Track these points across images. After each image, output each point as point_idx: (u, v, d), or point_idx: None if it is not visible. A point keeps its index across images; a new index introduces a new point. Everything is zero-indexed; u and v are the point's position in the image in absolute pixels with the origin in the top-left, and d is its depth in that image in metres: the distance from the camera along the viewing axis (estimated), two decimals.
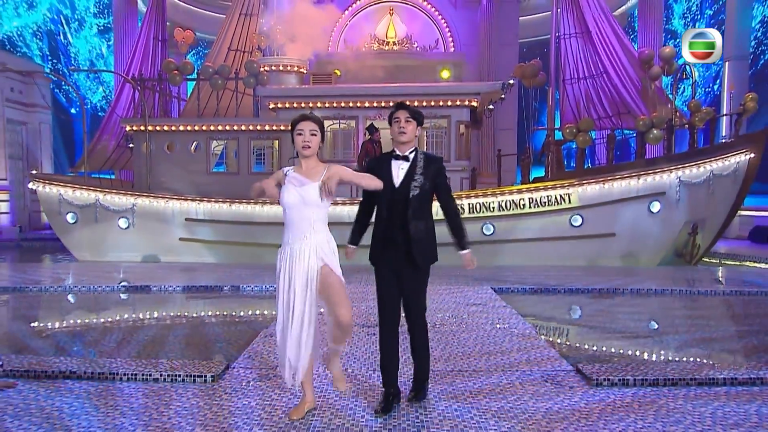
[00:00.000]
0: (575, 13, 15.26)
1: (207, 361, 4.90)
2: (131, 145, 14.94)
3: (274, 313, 7.17)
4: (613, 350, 6.13)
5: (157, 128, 13.82)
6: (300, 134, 3.60)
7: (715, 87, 22.78)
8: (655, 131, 13.07)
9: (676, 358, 5.73)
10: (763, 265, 13.46)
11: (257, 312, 8.06)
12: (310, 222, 3.56)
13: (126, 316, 7.88)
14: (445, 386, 4.40)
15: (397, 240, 3.80)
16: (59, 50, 27.39)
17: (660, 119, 13.11)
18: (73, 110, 27.48)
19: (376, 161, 4.04)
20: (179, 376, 4.50)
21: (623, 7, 23.92)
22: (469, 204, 12.13)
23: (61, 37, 27.43)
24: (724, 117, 16.71)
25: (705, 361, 5.59)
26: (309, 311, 3.50)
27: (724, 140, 13.64)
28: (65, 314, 8.14)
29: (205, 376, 4.48)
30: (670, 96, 14.45)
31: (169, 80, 14.77)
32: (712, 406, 4.03)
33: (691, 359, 5.67)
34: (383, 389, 3.96)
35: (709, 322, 7.52)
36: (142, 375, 4.53)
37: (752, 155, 12.34)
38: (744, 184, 12.46)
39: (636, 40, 21.75)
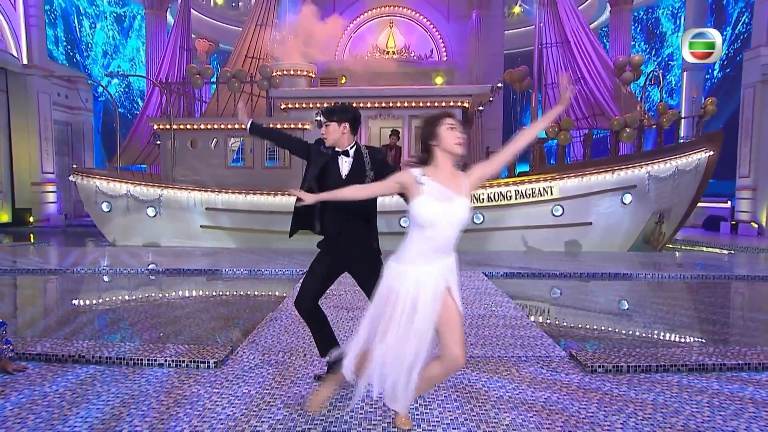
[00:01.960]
0: (556, 25, 14.56)
1: (211, 346, 4.32)
2: (159, 142, 14.42)
3: (280, 294, 6.66)
4: (596, 330, 5.57)
5: (181, 127, 13.36)
6: (452, 128, 2.54)
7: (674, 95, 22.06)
8: (628, 130, 12.46)
9: (661, 341, 5.17)
10: (717, 250, 13.05)
11: (267, 293, 7.48)
12: (450, 243, 2.55)
13: (147, 296, 7.30)
14: None
15: (339, 233, 3.32)
16: (74, 39, 23.44)
17: (632, 119, 12.50)
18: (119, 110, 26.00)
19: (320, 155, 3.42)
20: (183, 362, 3.93)
21: (596, 22, 23.15)
22: None
23: (76, 24, 23.50)
24: (683, 119, 16.12)
25: (690, 344, 5.03)
26: (428, 342, 2.51)
27: (684, 140, 13.06)
28: (89, 295, 7.57)
29: (209, 362, 3.92)
30: (639, 99, 13.83)
31: (192, 83, 14.19)
32: (707, 394, 3.48)
33: (677, 342, 5.11)
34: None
35: (682, 304, 6.97)
36: (148, 360, 3.96)
37: (711, 153, 11.85)
38: (704, 179, 11.99)
39: (608, 50, 21.05)
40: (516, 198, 11.44)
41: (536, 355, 4.29)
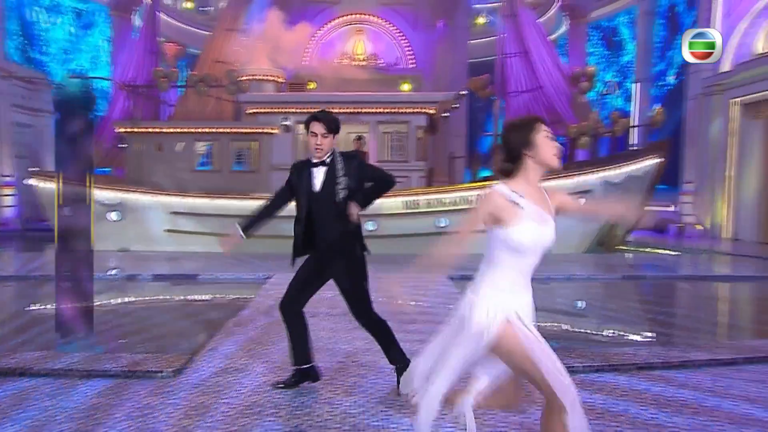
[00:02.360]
0: (517, 36, 14.83)
1: (169, 355, 4.11)
2: (124, 146, 13.90)
3: (244, 299, 6.44)
4: (554, 331, 5.62)
5: (148, 130, 12.92)
6: (550, 137, 2.13)
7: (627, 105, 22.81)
8: (584, 138, 12.78)
9: (612, 341, 5.25)
10: (665, 252, 13.54)
11: (231, 298, 7.24)
12: (533, 270, 2.17)
13: (110, 302, 6.94)
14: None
15: (320, 242, 3.23)
16: (31, 35, 21.48)
17: (588, 127, 12.83)
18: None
19: (299, 166, 3.37)
20: (137, 372, 3.71)
21: (555, 34, 23.72)
22: (426, 200, 11.57)
23: (31, 18, 21.46)
24: (634, 128, 16.69)
25: (639, 343, 5.14)
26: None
27: (633, 147, 13.51)
28: (46, 301, 7.14)
29: (163, 372, 3.71)
30: (594, 108, 14.22)
31: (158, 87, 13.74)
32: (651, 393, 3.52)
33: (629, 341, 5.21)
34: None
35: (632, 304, 7.15)
36: (101, 371, 3.73)
37: (660, 160, 12.29)
38: (652, 184, 12.44)
39: (567, 60, 21.58)
40: (479, 202, 11.54)
41: None
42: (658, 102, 21.08)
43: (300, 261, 3.41)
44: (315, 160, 3.24)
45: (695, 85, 16.74)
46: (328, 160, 3.23)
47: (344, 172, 3.20)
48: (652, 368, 3.95)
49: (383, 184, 3.32)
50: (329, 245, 3.23)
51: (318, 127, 3.19)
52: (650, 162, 12.32)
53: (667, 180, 18.73)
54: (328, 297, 4.78)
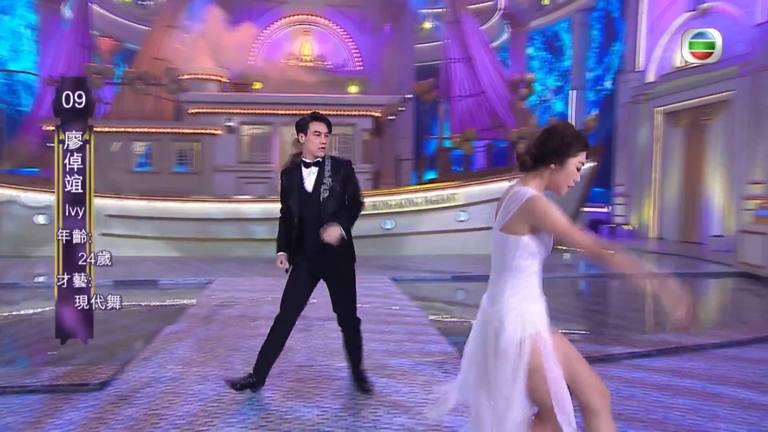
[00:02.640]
0: (460, 42, 15.24)
1: (95, 366, 3.92)
2: (51, 145, 13.02)
3: (181, 305, 6.23)
4: None
5: None
6: (579, 164, 2.02)
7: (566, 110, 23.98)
8: (523, 141, 13.32)
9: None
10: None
11: (168, 304, 6.98)
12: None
13: (39, 311, 6.50)
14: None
15: (313, 243, 3.24)
16: None
17: (526, 131, 13.39)
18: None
19: (289, 170, 3.40)
20: (61, 386, 3.51)
21: (498, 41, 24.57)
22: (371, 202, 11.63)
23: None
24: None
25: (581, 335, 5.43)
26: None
27: None
28: None
29: (90, 384, 3.54)
30: (534, 114, 14.87)
31: (91, 84, 12.99)
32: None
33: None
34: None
35: (570, 301, 7.54)
36: (19, 386, 3.49)
37: (594, 164, 13.02)
38: (587, 186, 13.16)
39: (508, 66, 22.40)
40: (424, 204, 11.76)
41: (435, 359, 4.37)
42: (596, 107, 22.35)
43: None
44: (309, 160, 3.27)
45: (625, 94, 17.89)
46: (320, 160, 3.29)
47: (330, 174, 3.26)
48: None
49: (357, 207, 3.37)
50: (323, 247, 3.19)
51: (322, 127, 3.25)
52: (585, 166, 13.07)
53: (602, 182, 19.97)
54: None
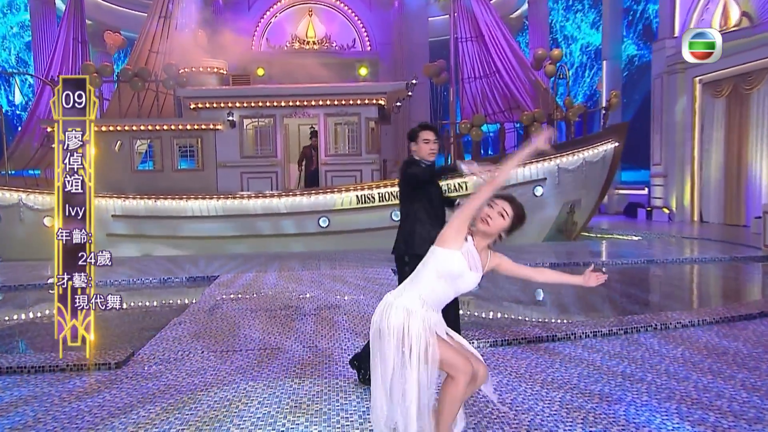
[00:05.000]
0: (470, 19, 15.89)
1: (112, 350, 5.03)
2: (53, 146, 14.32)
3: (188, 301, 7.43)
4: (491, 316, 6.75)
5: None
6: (513, 228, 2.88)
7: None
8: (536, 124, 13.96)
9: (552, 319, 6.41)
10: (627, 237, 14.68)
11: (172, 302, 8.14)
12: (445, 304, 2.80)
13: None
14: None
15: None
16: None
17: (540, 114, 14.01)
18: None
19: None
20: (84, 365, 4.63)
21: (518, 11, 24.95)
22: (379, 193, 12.56)
23: None
24: (588, 112, 17.97)
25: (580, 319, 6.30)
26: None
27: (607, 127, 14.55)
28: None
29: (110, 364, 4.64)
30: (552, 93, 15.42)
31: (91, 83, 14.24)
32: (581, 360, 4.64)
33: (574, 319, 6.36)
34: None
35: (589, 290, 8.31)
36: (50, 365, 4.63)
37: (617, 144, 13.55)
38: (611, 169, 13.70)
39: (528, 42, 22.81)
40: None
41: None
42: (628, 79, 22.62)
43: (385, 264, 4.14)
44: (425, 162, 4.13)
45: (659, 64, 18.19)
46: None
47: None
48: (540, 341, 5.11)
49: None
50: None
51: (430, 135, 4.15)
52: (606, 147, 13.62)
53: (641, 162, 20.28)
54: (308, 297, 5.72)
